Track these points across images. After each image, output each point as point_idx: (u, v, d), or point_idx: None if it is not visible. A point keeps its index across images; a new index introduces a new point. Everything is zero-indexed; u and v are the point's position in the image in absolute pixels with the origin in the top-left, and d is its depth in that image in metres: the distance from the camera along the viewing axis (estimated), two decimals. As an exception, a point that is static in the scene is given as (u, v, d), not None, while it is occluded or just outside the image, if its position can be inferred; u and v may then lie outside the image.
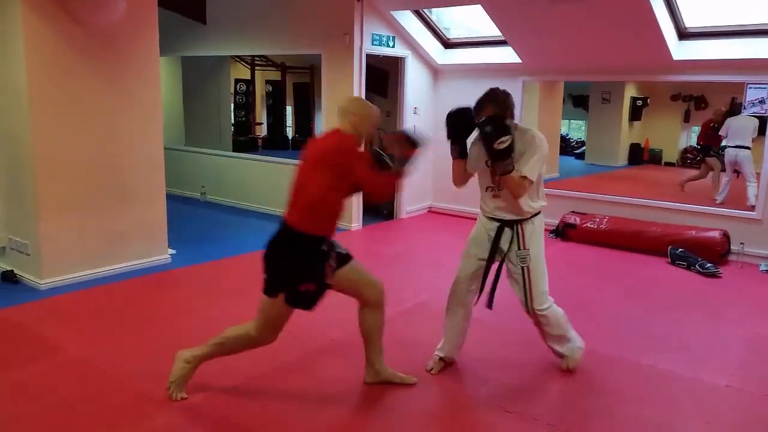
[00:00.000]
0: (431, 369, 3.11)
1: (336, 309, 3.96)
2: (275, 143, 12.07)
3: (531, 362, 3.28)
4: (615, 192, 6.68)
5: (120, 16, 4.33)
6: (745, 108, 5.73)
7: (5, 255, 4.56)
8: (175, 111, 8.13)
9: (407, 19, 6.57)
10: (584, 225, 6.05)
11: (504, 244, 2.92)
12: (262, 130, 12.84)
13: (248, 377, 2.97)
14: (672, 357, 3.38)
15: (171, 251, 5.05)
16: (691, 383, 3.07)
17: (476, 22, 6.83)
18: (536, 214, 2.95)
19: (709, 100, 12.15)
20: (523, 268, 2.89)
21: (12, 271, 4.40)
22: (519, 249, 2.89)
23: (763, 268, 5.29)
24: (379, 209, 7.15)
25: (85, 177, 4.39)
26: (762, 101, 5.56)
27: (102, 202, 4.51)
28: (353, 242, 6.12)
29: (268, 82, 12.92)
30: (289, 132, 13.14)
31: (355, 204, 6.39)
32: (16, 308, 3.86)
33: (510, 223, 2.90)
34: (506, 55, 6.50)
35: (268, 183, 7.14)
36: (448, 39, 7.11)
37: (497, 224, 2.92)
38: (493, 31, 6.29)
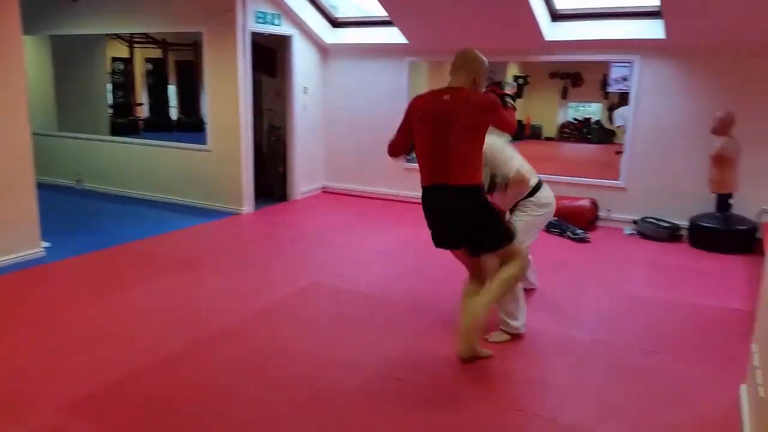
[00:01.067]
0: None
1: (220, 299, 3.93)
2: (158, 125, 11.50)
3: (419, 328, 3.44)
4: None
5: (-32, -11, 3.95)
6: (610, 85, 6.22)
7: None
8: (45, 94, 7.53)
9: (292, -3, 6.48)
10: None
11: None
12: (144, 112, 12.18)
13: (132, 369, 2.88)
14: (543, 317, 3.65)
15: (45, 244, 4.73)
16: (560, 340, 3.35)
17: (365, 1, 6.84)
18: None
19: (584, 77, 13.03)
20: None
21: None
22: None
23: (627, 231, 5.82)
24: (271, 190, 7.08)
25: (-63, 167, 4.00)
26: (624, 78, 6.06)
27: (-40, 195, 4.13)
28: (245, 226, 6.02)
29: (148, 60, 12.23)
30: (174, 113, 12.57)
31: (245, 186, 6.28)
32: None
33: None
34: (394, 35, 6.59)
35: (151, 167, 6.82)
36: (336, 18, 7.09)
37: None
38: (381, 11, 6.35)
